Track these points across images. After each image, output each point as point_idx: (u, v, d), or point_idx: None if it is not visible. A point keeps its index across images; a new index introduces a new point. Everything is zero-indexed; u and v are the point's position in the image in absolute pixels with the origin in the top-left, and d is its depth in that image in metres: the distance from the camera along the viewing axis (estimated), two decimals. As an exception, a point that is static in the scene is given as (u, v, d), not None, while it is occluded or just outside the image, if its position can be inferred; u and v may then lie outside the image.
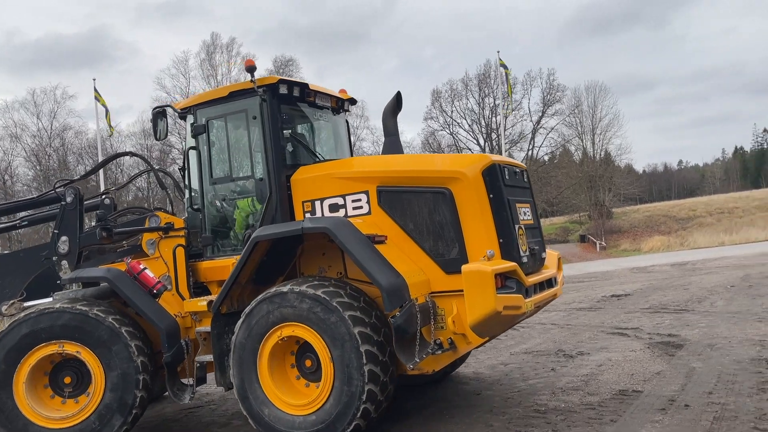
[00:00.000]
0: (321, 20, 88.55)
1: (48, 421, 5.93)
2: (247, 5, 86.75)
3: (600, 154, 56.12)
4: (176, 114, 6.80)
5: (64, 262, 6.75)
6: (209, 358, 6.02)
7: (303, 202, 6.11)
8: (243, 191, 6.49)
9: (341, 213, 5.94)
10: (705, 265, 20.63)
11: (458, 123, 55.31)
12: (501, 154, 38.26)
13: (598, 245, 46.78)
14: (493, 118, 53.93)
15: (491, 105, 53.75)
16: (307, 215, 6.05)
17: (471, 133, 55.31)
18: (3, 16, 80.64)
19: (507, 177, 5.76)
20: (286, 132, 6.39)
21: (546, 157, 56.44)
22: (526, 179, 6.42)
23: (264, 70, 47.31)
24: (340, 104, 7.20)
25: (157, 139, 6.74)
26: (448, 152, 53.99)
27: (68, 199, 6.86)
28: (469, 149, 54.73)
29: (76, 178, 7.23)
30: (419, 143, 57.01)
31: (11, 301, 6.61)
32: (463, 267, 5.20)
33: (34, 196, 7.63)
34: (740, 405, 5.56)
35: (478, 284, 5.06)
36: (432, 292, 5.51)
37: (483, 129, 54.90)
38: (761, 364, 6.87)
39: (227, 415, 7.13)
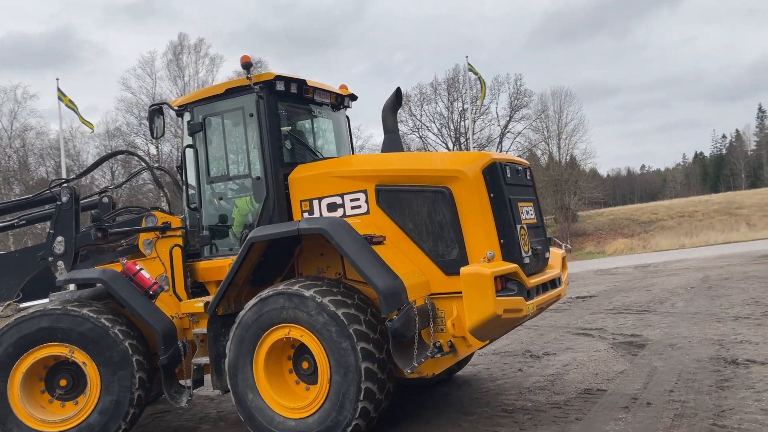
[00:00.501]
0: (292, 23, 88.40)
1: (44, 425, 5.85)
2: (216, 7, 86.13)
3: (566, 159, 57.17)
4: (173, 111, 6.70)
5: (60, 263, 6.64)
6: (206, 360, 5.89)
7: (301, 201, 6.00)
8: (240, 190, 6.39)
9: (339, 212, 5.83)
10: (666, 267, 21.13)
11: (427, 126, 55.57)
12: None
13: (563, 248, 47.63)
14: (462, 122, 54.39)
15: (460, 109, 54.21)
16: (305, 215, 5.93)
17: (440, 137, 55.65)
18: None
19: (509, 175, 5.64)
20: (284, 129, 6.25)
21: (513, 161, 57.20)
22: (528, 177, 6.28)
23: (231, 71, 46.91)
24: (340, 100, 7.03)
25: (153, 138, 6.62)
26: (417, 155, 54.14)
27: (63, 199, 6.78)
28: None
29: (71, 177, 7.07)
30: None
31: (7, 303, 6.56)
32: (462, 269, 5.08)
33: (29, 195, 7.52)
34: (700, 402, 5.73)
35: (477, 287, 4.95)
36: (431, 294, 5.40)
37: (452, 133, 55.30)
38: (720, 363, 7.09)
39: (195, 420, 7.07)
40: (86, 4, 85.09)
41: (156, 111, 6.60)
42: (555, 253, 6.56)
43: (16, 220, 7.54)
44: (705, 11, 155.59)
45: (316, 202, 5.93)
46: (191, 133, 6.41)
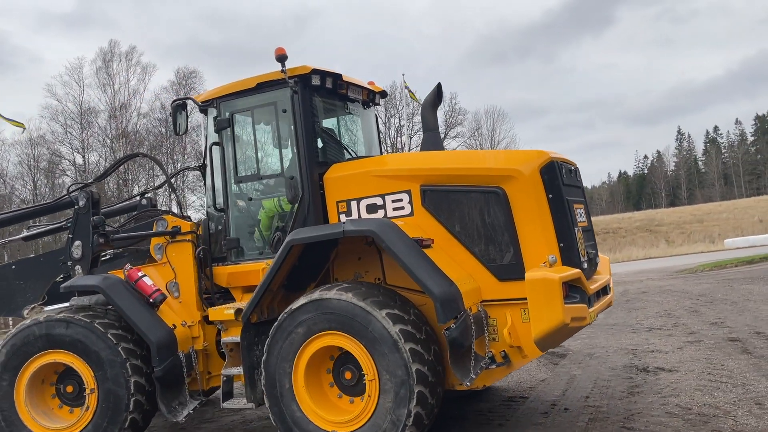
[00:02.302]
0: (231, 38, 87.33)
1: (48, 431, 5.78)
2: (155, 18, 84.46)
3: (498, 175, 58.84)
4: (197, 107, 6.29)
5: (78, 267, 6.41)
6: (236, 371, 5.52)
7: (337, 202, 5.62)
8: (271, 190, 6.01)
9: (380, 214, 5.46)
10: (590, 282, 22.08)
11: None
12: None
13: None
14: (399, 138, 55.18)
15: (396, 125, 55.00)
16: (342, 216, 5.57)
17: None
18: None
19: (564, 175, 5.29)
20: (319, 126, 5.93)
21: (448, 177, 58.41)
22: (579, 178, 5.91)
23: (166, 80, 45.89)
24: (371, 97, 6.69)
25: (176, 134, 6.29)
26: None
27: (81, 203, 6.56)
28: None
29: (89, 181, 6.87)
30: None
31: (32, 306, 6.38)
32: (527, 274, 4.78)
33: (49, 201, 7.27)
34: (612, 407, 6.09)
35: (545, 294, 4.63)
36: (483, 301, 5.10)
37: (388, 148, 56.00)
38: (632, 371, 7.54)
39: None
40: (20, 11, 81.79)
41: (179, 106, 6.21)
42: (603, 258, 6.33)
43: (63, 222, 7.23)
44: (625, 40, 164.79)
45: (354, 203, 5.56)
46: (218, 130, 6.01)
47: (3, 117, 25.49)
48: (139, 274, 6.06)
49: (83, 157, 43.06)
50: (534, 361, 8.46)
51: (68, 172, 43.40)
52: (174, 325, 5.97)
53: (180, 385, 5.90)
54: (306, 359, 5.06)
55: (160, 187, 9.13)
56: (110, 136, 43.58)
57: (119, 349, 5.66)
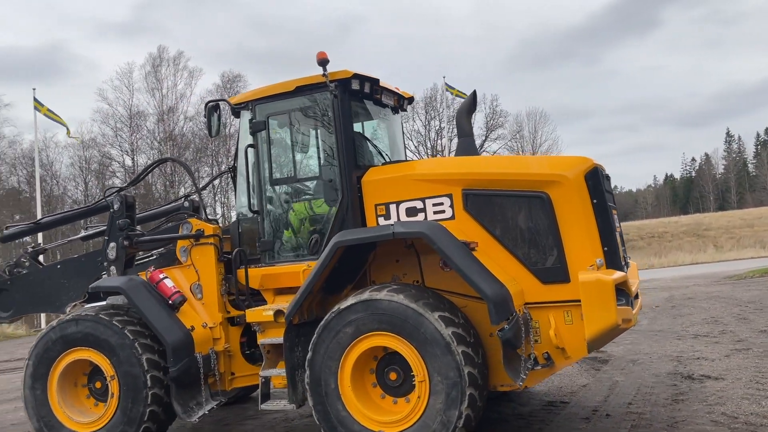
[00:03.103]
0: (276, 44, 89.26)
1: (79, 425, 6.05)
2: (205, 26, 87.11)
3: (539, 178, 58.13)
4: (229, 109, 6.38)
5: (112, 268, 6.68)
6: (274, 372, 5.58)
7: (376, 205, 5.65)
8: (305, 193, 6.07)
9: (420, 217, 5.51)
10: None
11: (405, 145, 56.31)
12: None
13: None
14: (439, 141, 55.12)
15: (437, 128, 54.94)
16: (381, 219, 5.62)
17: (417, 154, 56.24)
18: None
19: (604, 182, 5.42)
20: (356, 130, 5.98)
21: (488, 180, 57.92)
22: (610, 183, 6.06)
23: (211, 84, 46.96)
24: (400, 103, 6.80)
25: (210, 136, 6.38)
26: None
27: (115, 206, 6.83)
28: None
29: (124, 185, 7.21)
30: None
31: (73, 303, 6.63)
32: (581, 276, 4.85)
33: (88, 205, 7.66)
34: (655, 414, 5.99)
35: (600, 295, 4.72)
36: (526, 303, 5.15)
37: (429, 151, 55.97)
38: (676, 378, 7.41)
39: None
40: (79, 21, 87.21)
41: (213, 108, 6.25)
42: (632, 264, 6.39)
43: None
44: (671, 42, 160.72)
45: (393, 206, 5.59)
46: (253, 132, 6.06)
47: (57, 118, 26.43)
48: (161, 276, 6.24)
49: (132, 159, 44.40)
50: (575, 366, 8.43)
51: (118, 174, 44.83)
52: (192, 326, 6.11)
53: (196, 385, 6.02)
54: (353, 359, 5.10)
55: (203, 188, 9.38)
56: (158, 138, 44.79)
57: (125, 332, 5.87)
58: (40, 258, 7.73)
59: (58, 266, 7.27)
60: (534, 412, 6.45)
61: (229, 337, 6.38)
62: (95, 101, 69.64)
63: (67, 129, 27.67)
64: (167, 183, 42.31)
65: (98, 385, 6.17)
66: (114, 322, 5.96)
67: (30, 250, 7.61)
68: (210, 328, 6.24)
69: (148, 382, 5.83)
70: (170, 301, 6.11)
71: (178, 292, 6.17)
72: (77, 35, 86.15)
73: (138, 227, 7.08)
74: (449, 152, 45.58)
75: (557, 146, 58.02)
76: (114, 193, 6.98)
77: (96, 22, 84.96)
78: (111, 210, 6.88)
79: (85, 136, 43.74)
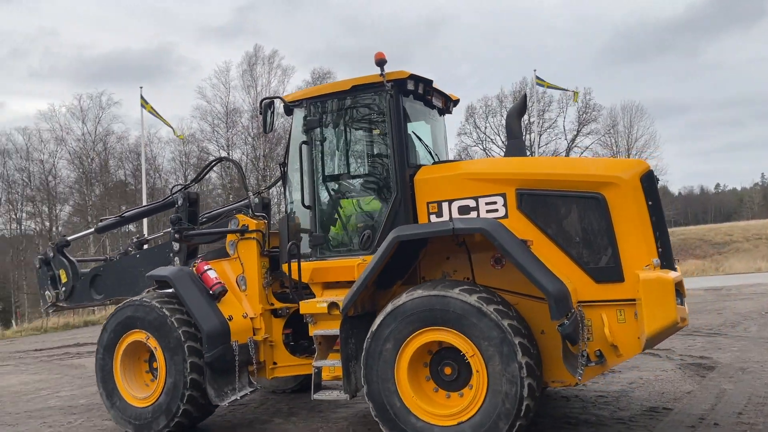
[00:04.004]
0: (367, 43, 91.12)
1: (137, 400, 6.62)
2: (299, 27, 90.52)
3: (635, 175, 55.69)
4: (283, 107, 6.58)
5: (176, 258, 7.25)
6: (326, 363, 5.78)
7: (428, 203, 5.75)
8: (357, 190, 6.21)
9: (473, 215, 5.59)
10: (740, 291, 20.35)
11: (491, 139, 55.29)
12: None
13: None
14: (527, 135, 53.91)
15: (525, 122, 53.73)
16: (433, 217, 5.72)
17: (503, 150, 55.38)
18: (77, 31, 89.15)
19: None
20: (410, 129, 6.12)
21: (579, 177, 56.01)
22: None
23: (302, 81, 48.16)
24: (447, 105, 6.96)
25: (265, 132, 6.59)
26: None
27: (179, 203, 7.42)
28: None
29: (187, 182, 7.85)
30: (451, 158, 57.20)
31: (147, 290, 7.11)
32: (641, 274, 4.91)
33: (157, 201, 8.43)
34: (770, 426, 5.69)
35: (660, 293, 4.81)
36: (579, 302, 5.19)
37: (516, 146, 54.98)
38: (793, 389, 6.96)
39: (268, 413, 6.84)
40: (184, 25, 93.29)
41: (268, 105, 6.42)
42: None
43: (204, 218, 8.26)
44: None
45: (445, 204, 5.68)
46: (307, 130, 6.22)
47: (159, 117, 28.01)
48: (205, 267, 6.64)
49: (228, 154, 46.22)
50: (679, 372, 8.08)
51: (215, 168, 46.85)
52: (231, 316, 6.44)
53: (231, 372, 6.32)
54: (410, 352, 5.23)
55: (270, 187, 9.78)
56: (252, 134, 46.44)
57: (173, 319, 6.33)
58: (145, 247, 8.31)
59: (137, 255, 7.92)
60: (634, 417, 6.22)
61: (271, 328, 6.67)
62: (195, 99, 73.40)
63: (173, 129, 29.30)
64: (260, 178, 43.84)
65: (155, 365, 6.65)
66: (164, 310, 6.42)
67: (135, 240, 8.25)
68: (250, 318, 6.55)
69: (188, 368, 6.24)
70: (211, 291, 6.49)
71: (220, 282, 6.54)
72: (182, 39, 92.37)
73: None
74: (538, 147, 44.52)
75: (654, 141, 55.38)
76: (179, 190, 7.50)
77: (200, 26, 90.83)
78: (177, 205, 7.45)
79: (185, 132, 46.05)
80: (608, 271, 5.16)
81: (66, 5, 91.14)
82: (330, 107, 6.22)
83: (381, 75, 5.81)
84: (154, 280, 6.94)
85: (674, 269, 5.22)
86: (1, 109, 75.73)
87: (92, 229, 8.74)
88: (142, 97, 27.46)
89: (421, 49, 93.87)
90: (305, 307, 6.01)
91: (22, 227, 47.45)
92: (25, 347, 18.32)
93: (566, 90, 35.35)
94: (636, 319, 5.02)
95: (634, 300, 5.02)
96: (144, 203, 28.87)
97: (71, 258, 8.22)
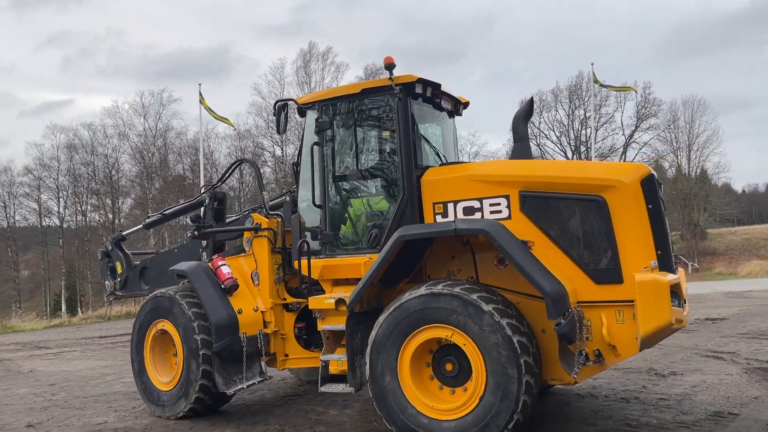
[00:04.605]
0: (422, 39, 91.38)
1: (156, 381, 7.20)
2: (354, 24, 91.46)
3: (696, 172, 53.72)
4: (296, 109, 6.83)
5: (204, 253, 7.70)
6: (333, 357, 5.99)
7: (434, 204, 5.90)
8: (365, 190, 6.38)
9: (477, 216, 5.72)
10: (809, 293, 19.47)
11: (546, 135, 54.32)
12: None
13: (690, 267, 44.74)
14: (583, 131, 52.74)
15: (581, 117, 52.58)
16: (438, 217, 5.86)
17: (559, 145, 54.23)
18: (142, 30, 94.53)
19: (659, 188, 5.58)
20: (417, 132, 6.29)
21: (637, 173, 54.23)
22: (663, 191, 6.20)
23: (355, 77, 48.45)
24: (457, 107, 7.12)
25: (278, 133, 7.01)
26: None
27: (206, 202, 7.88)
28: (557, 161, 53.64)
29: (214, 183, 8.33)
30: (504, 154, 56.43)
31: (182, 282, 7.50)
32: (637, 276, 5.01)
33: (190, 200, 8.86)
34: None
35: (655, 295, 4.91)
36: (579, 302, 5.29)
37: (572, 141, 53.80)
38: None
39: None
40: (244, 24, 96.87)
41: (282, 107, 6.73)
42: (680, 270, 6.35)
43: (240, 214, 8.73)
44: None
45: (450, 205, 5.83)
46: (318, 131, 6.43)
47: (214, 114, 28.67)
48: (220, 263, 7.01)
49: (282, 149, 47.00)
50: (745, 376, 7.82)
51: (269, 163, 47.76)
52: (240, 309, 6.76)
53: (239, 362, 6.67)
54: (412, 349, 5.41)
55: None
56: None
57: (190, 313, 6.76)
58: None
59: (175, 250, 8.44)
60: (698, 421, 6.04)
61: (283, 321, 6.97)
62: (251, 95, 74.81)
63: (227, 120, 29.88)
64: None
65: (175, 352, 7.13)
66: (183, 302, 6.86)
67: (189, 234, 8.49)
68: (261, 312, 6.88)
69: (201, 358, 6.67)
70: (222, 286, 6.85)
71: (231, 277, 6.90)
72: (242, 37, 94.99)
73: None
74: (594, 142, 43.47)
75: (717, 137, 53.30)
76: (207, 190, 7.97)
77: (258, 25, 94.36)
78: (205, 204, 7.90)
79: (241, 128, 47.01)
80: (608, 272, 5.24)
81: (133, 5, 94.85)
82: (341, 109, 6.43)
83: (390, 78, 6.00)
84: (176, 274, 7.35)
85: (673, 272, 5.30)
86: (70, 106, 79.49)
87: (141, 225, 9.26)
88: (200, 94, 28.21)
89: (476, 43, 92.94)
90: (314, 302, 6.25)
91: (87, 219, 49.47)
92: (90, 334, 19.13)
93: (621, 89, 34.31)
94: (634, 320, 5.08)
95: (632, 301, 5.07)
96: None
97: (126, 251, 8.85)
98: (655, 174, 5.52)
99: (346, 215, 6.44)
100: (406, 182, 6.01)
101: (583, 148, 52.58)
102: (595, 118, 45.70)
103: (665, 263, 5.23)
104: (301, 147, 6.85)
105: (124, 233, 9.18)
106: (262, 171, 45.42)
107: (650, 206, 5.25)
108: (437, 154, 6.71)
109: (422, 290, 5.37)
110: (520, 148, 6.29)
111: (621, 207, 5.25)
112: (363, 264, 6.02)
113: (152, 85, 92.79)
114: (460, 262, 5.98)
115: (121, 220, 46.15)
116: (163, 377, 7.15)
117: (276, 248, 7.07)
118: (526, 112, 6.44)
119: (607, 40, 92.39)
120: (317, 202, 6.44)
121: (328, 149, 6.43)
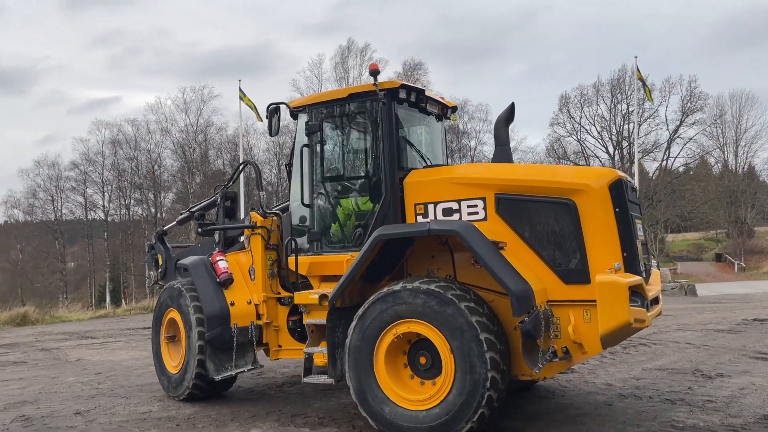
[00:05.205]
0: (459, 36, 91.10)
1: (169, 366, 7.80)
2: (392, 21, 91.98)
3: (743, 168, 52.19)
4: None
5: (216, 248, 8.05)
6: (316, 349, 6.25)
7: (415, 205, 6.18)
8: (352, 190, 6.67)
9: (455, 217, 5.97)
10: None
11: (586, 129, 53.32)
12: (633, 163, 36.67)
13: (736, 266, 43.57)
14: (625, 126, 51.61)
15: (624, 112, 51.47)
16: (419, 218, 6.13)
17: (600, 141, 53.22)
18: (186, 28, 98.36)
19: (629, 193, 5.73)
20: (401, 135, 6.55)
21: (681, 169, 53.09)
22: (637, 195, 6.43)
23: (392, 72, 48.43)
24: (444, 111, 7.31)
25: (270, 135, 7.17)
26: (574, 159, 52.34)
27: (219, 200, 8.35)
28: (597, 157, 52.75)
29: (225, 183, 8.71)
30: (543, 149, 55.71)
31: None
32: (597, 277, 5.22)
33: (206, 200, 9.27)
34: None
35: (613, 295, 5.11)
36: (549, 301, 5.51)
37: (613, 137, 52.72)
38: None
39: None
40: (284, 22, 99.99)
41: (274, 110, 7.00)
42: (654, 272, 6.60)
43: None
44: None
45: (431, 206, 6.09)
46: (308, 134, 6.72)
47: (255, 111, 28.98)
48: (218, 258, 7.45)
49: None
50: (796, 378, 7.51)
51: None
52: (233, 302, 7.20)
53: (229, 350, 7.14)
54: (387, 342, 5.65)
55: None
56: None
57: (190, 306, 7.28)
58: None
59: (199, 245, 8.90)
60: (747, 424, 5.88)
61: (276, 314, 7.34)
62: (290, 91, 75.49)
63: (257, 115, 30.21)
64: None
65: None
66: (186, 294, 7.38)
67: (197, 232, 9.02)
68: (255, 305, 7.29)
69: (196, 348, 7.13)
70: (218, 279, 7.30)
71: (227, 272, 7.32)
72: (282, 35, 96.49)
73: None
74: (637, 137, 42.52)
75: (766, 132, 51.65)
76: (221, 190, 8.40)
77: (298, 23, 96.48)
78: (217, 203, 8.37)
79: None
80: (576, 273, 5.45)
81: (177, 4, 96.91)
82: (329, 113, 6.73)
83: (374, 84, 6.25)
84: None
85: (639, 274, 5.46)
86: (116, 103, 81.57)
87: (174, 222, 9.76)
88: (240, 90, 28.57)
89: (515, 39, 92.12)
90: (299, 297, 6.61)
91: (131, 213, 50.75)
92: (134, 325, 19.60)
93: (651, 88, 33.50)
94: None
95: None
96: (241, 192, 30.15)
97: (167, 244, 9.39)
98: (625, 179, 5.71)
99: (333, 214, 6.73)
100: (389, 184, 6.26)
101: (625, 143, 51.53)
102: (638, 112, 44.71)
103: (631, 265, 5.42)
104: (292, 149, 7.16)
105: (165, 228, 9.72)
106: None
107: (617, 210, 5.45)
108: (422, 157, 6.96)
109: (400, 286, 5.62)
110: (501, 151, 6.50)
111: (589, 210, 5.46)
112: (346, 261, 6.30)
113: (194, 82, 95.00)
114: (439, 261, 6.21)
115: (163, 214, 47.25)
116: (173, 361, 7.76)
117: (270, 245, 7.44)
118: (506, 117, 6.61)
119: (651, 34, 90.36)
120: (306, 201, 6.75)
121: (316, 151, 6.73)
